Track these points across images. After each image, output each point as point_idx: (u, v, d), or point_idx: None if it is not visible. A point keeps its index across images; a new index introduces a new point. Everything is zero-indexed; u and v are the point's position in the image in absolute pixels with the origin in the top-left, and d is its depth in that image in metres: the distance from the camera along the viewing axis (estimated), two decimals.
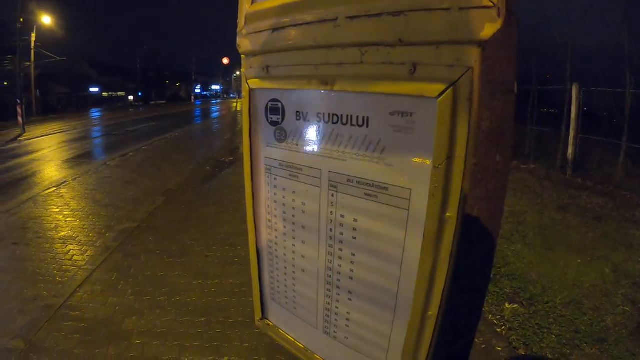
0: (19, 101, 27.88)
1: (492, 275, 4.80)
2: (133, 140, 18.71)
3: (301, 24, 1.20)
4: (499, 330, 3.89)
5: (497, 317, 4.11)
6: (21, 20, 30.27)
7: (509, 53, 0.92)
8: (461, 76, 0.87)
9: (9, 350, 3.67)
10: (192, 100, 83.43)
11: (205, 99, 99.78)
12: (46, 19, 39.89)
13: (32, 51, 40.72)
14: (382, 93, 1.02)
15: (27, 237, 6.58)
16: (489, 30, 0.82)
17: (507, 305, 4.30)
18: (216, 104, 66.53)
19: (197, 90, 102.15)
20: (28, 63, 40.32)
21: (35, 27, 39.65)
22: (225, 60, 44.50)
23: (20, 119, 27.37)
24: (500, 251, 5.39)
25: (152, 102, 77.05)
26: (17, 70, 33.35)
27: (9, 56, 42.33)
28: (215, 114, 40.39)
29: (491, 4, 0.82)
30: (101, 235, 6.27)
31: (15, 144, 19.55)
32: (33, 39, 40.17)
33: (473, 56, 0.85)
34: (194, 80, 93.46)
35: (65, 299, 4.47)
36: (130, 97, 75.81)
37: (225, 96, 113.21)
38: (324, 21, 1.12)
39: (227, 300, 4.35)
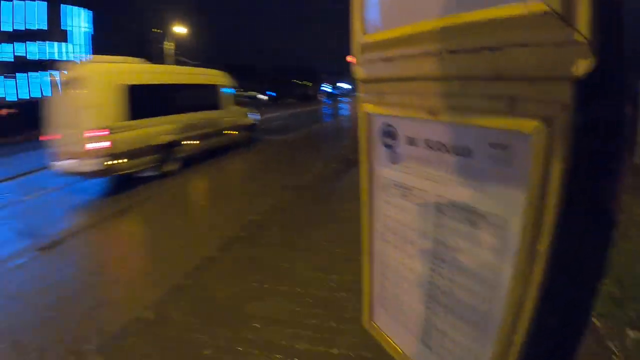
0: None
1: (616, 298, 4.36)
2: (265, 138, 19.68)
3: (409, 56, 1.29)
4: (615, 358, 3.56)
5: (616, 343, 3.74)
6: (154, 30, 33.46)
7: (614, 83, 0.92)
8: (556, 112, 0.90)
9: (140, 320, 4.26)
10: (321, 99, 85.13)
11: (333, 97, 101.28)
12: (180, 29, 44.39)
13: (170, 58, 45.50)
14: (482, 126, 1.08)
15: (163, 223, 7.47)
16: (582, 67, 0.84)
17: (629, 331, 3.88)
18: (344, 102, 67.53)
19: (325, 89, 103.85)
20: None
21: (170, 35, 44.14)
22: (351, 59, 44.94)
23: None
24: (631, 269, 4.86)
25: (283, 101, 79.98)
26: None
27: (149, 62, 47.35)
28: (343, 112, 41.02)
29: (584, 40, 0.83)
30: (232, 224, 6.77)
31: None
32: (168, 46, 44.80)
33: (567, 93, 0.87)
34: (322, 78, 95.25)
35: (193, 280, 4.96)
36: (261, 96, 79.59)
37: (354, 94, 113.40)
38: (429, 54, 1.21)
39: (345, 295, 4.50)
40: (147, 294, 4.77)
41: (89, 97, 9.43)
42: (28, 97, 58.08)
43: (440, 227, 1.31)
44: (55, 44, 60.79)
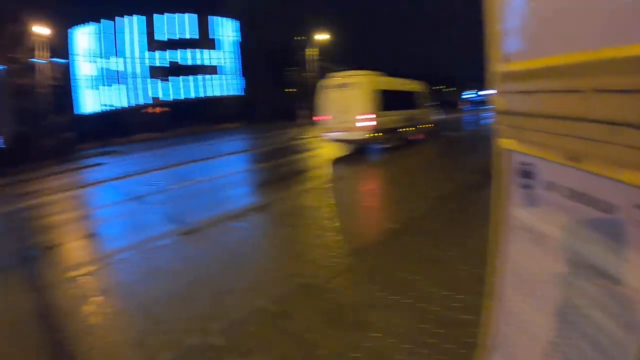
0: (299, 106, 33.52)
1: None
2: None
3: (550, 91, 1.21)
4: None
5: None
6: (297, 38, 35.60)
7: None
8: None
9: (263, 310, 4.49)
10: (461, 106, 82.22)
11: (474, 104, 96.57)
12: (322, 36, 46.76)
13: (312, 63, 48.97)
14: (628, 182, 0.97)
15: (301, 222, 7.80)
16: None
17: None
18: (486, 110, 64.72)
19: (467, 96, 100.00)
20: (308, 73, 48.42)
21: (313, 42, 47.14)
22: None
23: (300, 120, 32.51)
24: None
25: None
26: (298, 79, 40.18)
27: (293, 68, 51.19)
28: (485, 121, 39.10)
29: None
30: (366, 230, 6.82)
31: (296, 142, 22.60)
32: (311, 52, 47.93)
33: None
34: (464, 85, 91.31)
35: (322, 281, 5.07)
36: None
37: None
38: (573, 91, 1.12)
39: (469, 318, 4.27)
40: (274, 287, 5.03)
41: (360, 95, 15.79)
42: (181, 98, 65.35)
43: (572, 286, 1.18)
44: (205, 51, 67.36)
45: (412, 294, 4.71)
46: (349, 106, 15.86)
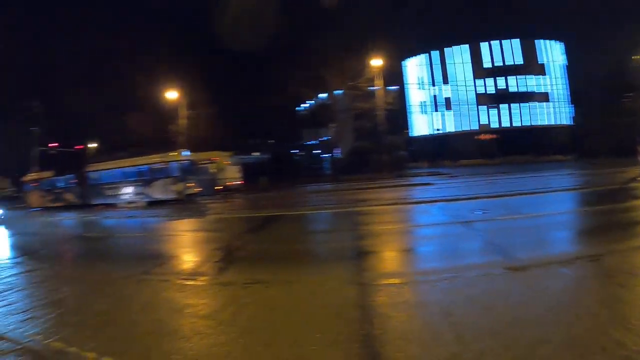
0: (638, 140, 28.71)
1: None
2: None
3: None
4: None
5: None
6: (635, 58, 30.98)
7: None
8: None
9: None
10: None
11: None
12: None
13: None
14: None
15: (635, 283, 6.53)
16: None
17: None
18: None
19: None
20: None
21: None
22: None
23: (639, 157, 27.72)
24: None
25: None
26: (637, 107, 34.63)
27: (630, 94, 44.73)
28: None
29: None
30: None
31: (635, 184, 20.00)
32: None
33: None
34: None
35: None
36: None
37: None
38: None
39: None
40: (592, 353, 4.29)
41: None
42: (508, 126, 65.65)
43: None
44: (533, 77, 65.78)
45: None
46: None
